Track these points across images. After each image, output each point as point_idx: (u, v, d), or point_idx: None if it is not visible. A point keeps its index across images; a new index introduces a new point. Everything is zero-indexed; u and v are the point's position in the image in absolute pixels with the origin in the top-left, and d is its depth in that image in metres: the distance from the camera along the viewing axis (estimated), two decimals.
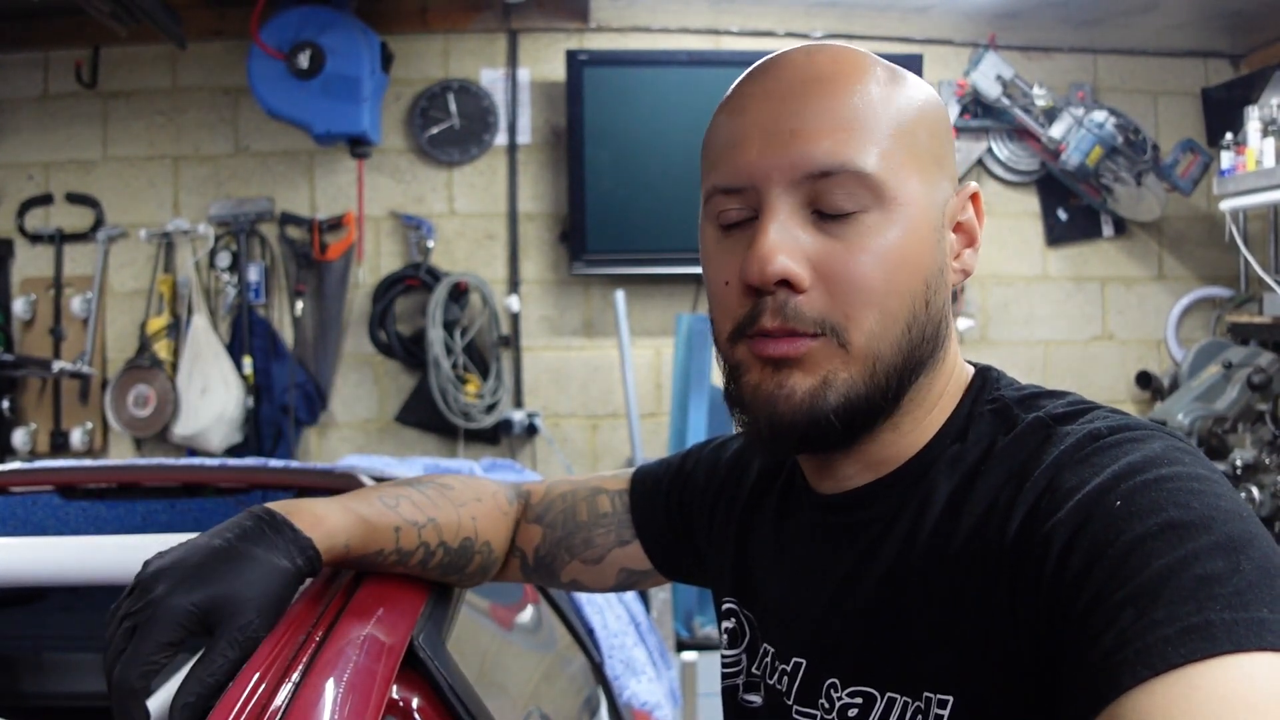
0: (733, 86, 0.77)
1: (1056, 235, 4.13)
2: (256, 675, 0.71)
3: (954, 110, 3.97)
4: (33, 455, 3.85)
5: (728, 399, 0.77)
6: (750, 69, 0.77)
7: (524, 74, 3.95)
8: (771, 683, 0.83)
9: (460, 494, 1.01)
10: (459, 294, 3.85)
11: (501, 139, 3.95)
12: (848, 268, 0.70)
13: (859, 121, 0.71)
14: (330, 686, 0.73)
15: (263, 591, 0.76)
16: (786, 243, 0.70)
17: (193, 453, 3.81)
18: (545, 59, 3.95)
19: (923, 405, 0.76)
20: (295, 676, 0.72)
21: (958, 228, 0.78)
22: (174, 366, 3.84)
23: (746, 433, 0.76)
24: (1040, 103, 3.87)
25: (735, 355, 0.75)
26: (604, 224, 3.81)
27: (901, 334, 0.72)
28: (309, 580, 0.86)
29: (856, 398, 0.71)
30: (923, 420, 0.76)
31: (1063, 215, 4.12)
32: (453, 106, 3.92)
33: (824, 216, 0.71)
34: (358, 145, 3.70)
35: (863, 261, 0.70)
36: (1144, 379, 4.01)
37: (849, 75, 0.72)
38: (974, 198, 0.79)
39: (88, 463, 2.19)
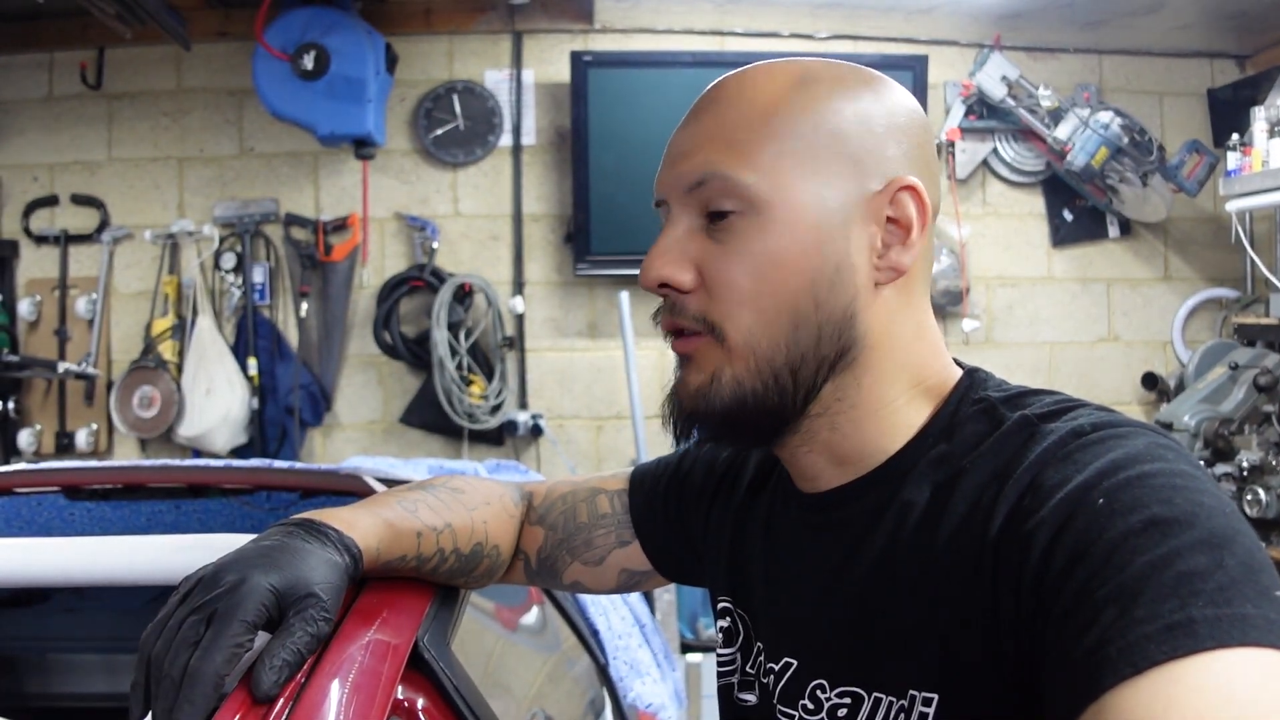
0: None
1: (1062, 236, 4.13)
2: None
3: (959, 111, 3.96)
4: (38, 456, 3.86)
5: None
6: None
7: (528, 75, 3.96)
8: (764, 682, 0.83)
9: (471, 498, 1.01)
10: (463, 295, 3.86)
11: (506, 140, 3.96)
12: (720, 270, 0.75)
13: (733, 133, 0.75)
14: (335, 687, 0.72)
15: (326, 578, 0.76)
16: (672, 251, 0.77)
17: (198, 454, 3.81)
18: (550, 60, 3.96)
19: (859, 405, 0.76)
20: (300, 677, 0.72)
21: (890, 223, 0.75)
22: (179, 367, 3.85)
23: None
24: (1045, 103, 3.87)
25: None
26: (608, 225, 3.81)
27: (785, 333, 0.74)
28: None
29: (746, 394, 0.75)
30: (867, 419, 0.76)
31: (1068, 216, 4.11)
32: (457, 107, 3.92)
33: (711, 225, 0.76)
34: (362, 146, 3.71)
35: (734, 264, 0.74)
36: (1150, 380, 4.01)
37: (740, 93, 0.77)
38: (909, 189, 0.75)
39: (93, 464, 2.20)
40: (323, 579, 0.75)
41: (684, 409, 0.78)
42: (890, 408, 0.76)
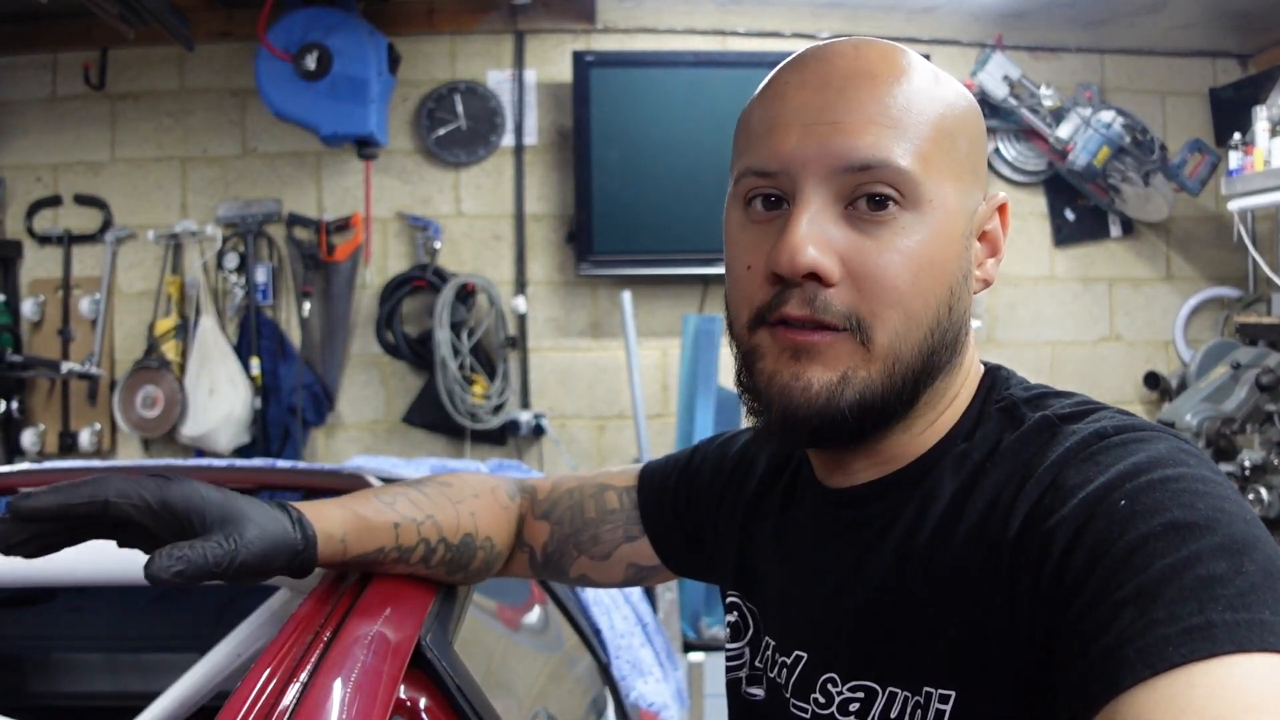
0: (775, 72, 0.76)
1: (1064, 236, 4.12)
2: (265, 674, 0.71)
3: None
4: (41, 456, 3.86)
5: (739, 385, 0.77)
6: (795, 56, 0.76)
7: (530, 75, 3.96)
8: (773, 676, 0.83)
9: (458, 491, 1.01)
10: (466, 295, 3.86)
11: (508, 140, 3.96)
12: (877, 265, 0.70)
13: (902, 119, 0.70)
14: (338, 686, 0.73)
15: (265, 526, 0.79)
16: (817, 235, 0.70)
17: (200, 453, 3.82)
18: (552, 60, 3.96)
19: (936, 407, 0.77)
20: (303, 676, 0.72)
21: (983, 237, 0.78)
22: (182, 367, 3.85)
23: (758, 421, 0.75)
24: (1047, 103, 3.87)
25: (752, 340, 0.74)
26: (611, 225, 3.81)
27: (924, 337, 0.72)
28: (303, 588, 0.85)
29: (873, 397, 0.71)
30: (935, 421, 0.77)
31: (1070, 216, 4.11)
32: (459, 108, 3.92)
33: (856, 212, 0.71)
34: (365, 146, 3.71)
35: (892, 261, 0.70)
36: (1152, 380, 4.00)
37: (896, 72, 0.72)
38: (1001, 209, 0.79)
39: (96, 463, 2.19)
40: (262, 525, 0.79)
41: (799, 412, 0.71)
42: (951, 409, 0.77)
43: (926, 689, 0.69)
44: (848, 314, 0.70)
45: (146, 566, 0.70)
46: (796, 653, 0.81)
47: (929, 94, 0.72)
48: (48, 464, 1.98)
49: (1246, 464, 3.11)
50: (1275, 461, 3.12)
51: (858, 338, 0.70)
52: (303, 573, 0.85)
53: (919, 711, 0.69)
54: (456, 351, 3.82)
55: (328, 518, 0.86)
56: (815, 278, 0.70)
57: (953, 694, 0.67)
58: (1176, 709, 0.51)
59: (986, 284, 0.78)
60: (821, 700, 0.77)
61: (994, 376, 0.79)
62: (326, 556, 0.86)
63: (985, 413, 0.76)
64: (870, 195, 0.70)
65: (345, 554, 0.88)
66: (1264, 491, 3.05)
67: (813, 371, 0.71)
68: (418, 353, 3.90)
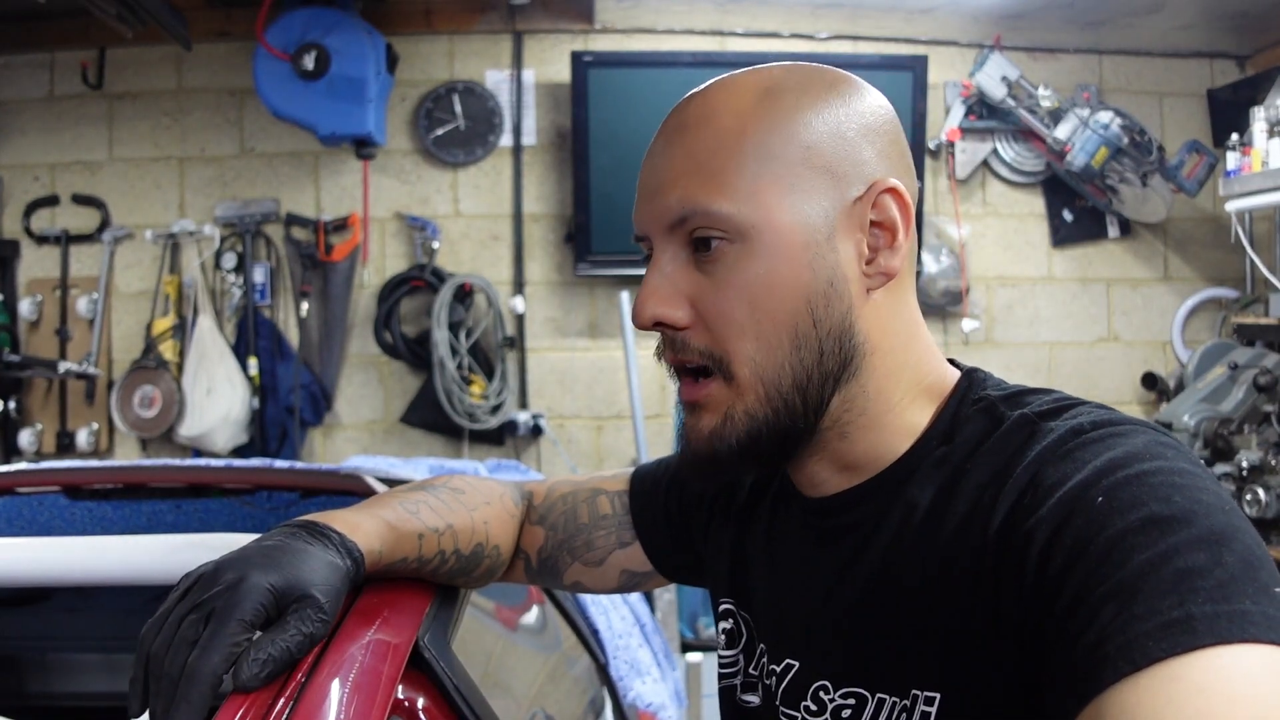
0: None
1: (1062, 236, 4.13)
2: None
3: (959, 111, 3.96)
4: (39, 456, 3.86)
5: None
6: None
7: (529, 75, 3.96)
8: (767, 683, 0.83)
9: (472, 498, 1.01)
10: (464, 295, 3.86)
11: (506, 140, 3.96)
12: (716, 304, 0.74)
13: (709, 163, 0.74)
14: (336, 687, 0.73)
15: (325, 579, 0.76)
16: (664, 288, 0.76)
17: (198, 453, 3.81)
18: (550, 60, 3.96)
19: (868, 411, 0.76)
20: (301, 677, 0.72)
21: (875, 227, 0.75)
22: (179, 367, 3.85)
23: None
24: (1045, 104, 3.87)
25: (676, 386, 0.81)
26: (609, 225, 3.81)
27: (789, 355, 0.73)
28: None
29: (761, 424, 0.75)
30: (875, 425, 0.76)
31: (1068, 216, 4.11)
32: (458, 108, 3.92)
33: (697, 257, 0.75)
34: (363, 146, 3.71)
35: (728, 296, 0.73)
36: (1150, 380, 4.01)
37: (706, 114, 0.76)
38: (890, 191, 0.74)
39: (93, 463, 2.19)
40: (322, 580, 0.75)
41: (700, 453, 0.77)
42: (895, 410, 0.77)
43: (913, 691, 0.69)
44: (705, 351, 0.75)
45: (236, 677, 0.68)
46: (787, 661, 0.81)
47: (741, 123, 0.74)
48: (45, 464, 1.98)
49: (1244, 464, 3.11)
50: (1273, 462, 3.12)
51: (722, 376, 0.75)
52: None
53: (904, 715, 0.69)
54: (454, 351, 3.82)
55: (365, 531, 0.85)
56: (669, 326, 0.76)
57: (938, 696, 0.68)
58: (1159, 704, 0.51)
59: (888, 276, 0.75)
60: (813, 708, 0.77)
61: (970, 378, 0.79)
62: (368, 568, 0.85)
63: (962, 414, 0.75)
64: (697, 241, 0.74)
65: (379, 565, 0.87)
66: (1261, 492, 3.05)
67: (703, 420, 0.77)
68: (416, 353, 3.90)
